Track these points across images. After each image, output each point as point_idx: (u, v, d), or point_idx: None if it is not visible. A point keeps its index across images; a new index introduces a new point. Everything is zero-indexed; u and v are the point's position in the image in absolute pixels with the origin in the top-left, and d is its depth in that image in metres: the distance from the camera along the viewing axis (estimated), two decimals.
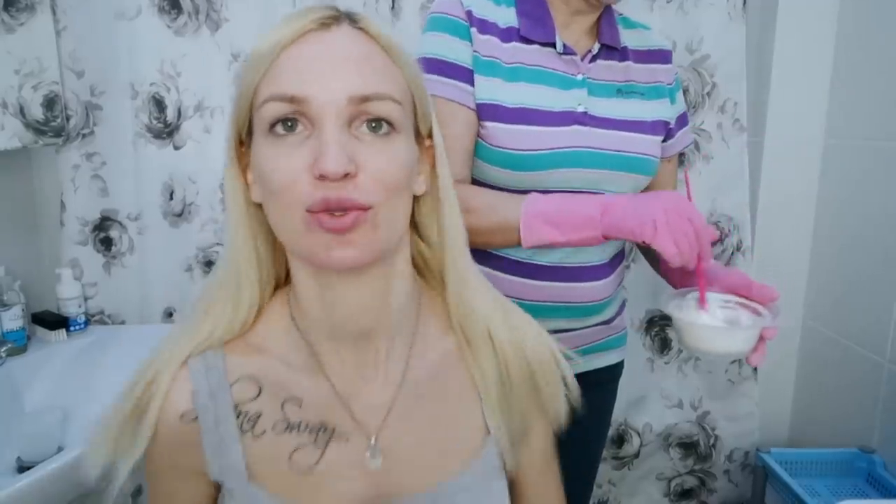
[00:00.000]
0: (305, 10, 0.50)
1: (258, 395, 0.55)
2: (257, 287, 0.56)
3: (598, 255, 0.95)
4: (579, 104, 0.90)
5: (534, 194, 0.83)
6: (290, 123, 0.48)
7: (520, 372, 0.58)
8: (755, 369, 1.48)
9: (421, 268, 0.62)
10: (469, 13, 0.89)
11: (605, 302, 0.98)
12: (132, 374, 0.55)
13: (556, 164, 0.89)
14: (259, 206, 0.53)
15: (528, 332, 0.60)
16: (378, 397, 0.56)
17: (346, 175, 0.46)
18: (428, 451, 0.57)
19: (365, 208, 0.48)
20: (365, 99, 0.48)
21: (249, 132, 0.52)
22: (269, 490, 0.53)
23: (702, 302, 0.74)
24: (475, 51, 0.88)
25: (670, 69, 0.99)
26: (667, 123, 0.97)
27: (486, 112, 0.88)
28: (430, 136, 0.57)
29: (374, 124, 0.49)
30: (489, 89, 0.88)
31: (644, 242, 0.75)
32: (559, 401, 0.61)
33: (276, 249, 0.57)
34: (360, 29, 0.51)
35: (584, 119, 0.90)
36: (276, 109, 0.48)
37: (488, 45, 0.89)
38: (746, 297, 0.76)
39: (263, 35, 0.50)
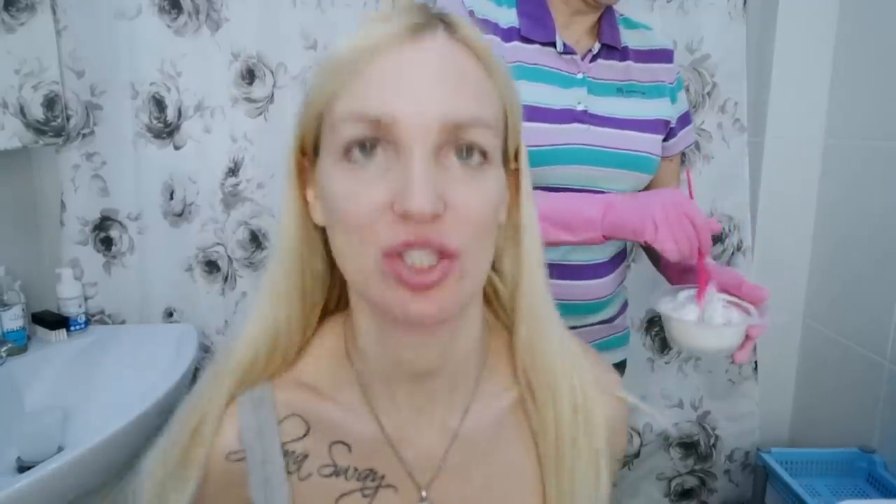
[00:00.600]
0: (395, 10, 0.44)
1: (305, 434, 0.50)
2: (300, 316, 0.51)
3: (598, 253, 0.95)
4: (579, 102, 0.91)
5: (535, 193, 0.83)
6: (369, 147, 0.41)
7: (583, 435, 0.51)
8: (755, 369, 1.48)
9: (490, 298, 0.55)
10: (471, 13, 0.89)
11: (606, 300, 0.98)
12: (178, 414, 0.51)
13: (555, 160, 0.89)
14: (320, 227, 0.48)
15: (597, 387, 0.53)
16: (432, 446, 0.51)
17: (434, 215, 0.39)
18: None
19: (454, 256, 0.41)
20: (459, 125, 0.41)
21: (315, 145, 0.46)
22: None
23: (700, 297, 0.75)
24: None
25: (672, 69, 0.99)
26: (667, 122, 0.97)
27: None
28: (516, 156, 0.50)
29: (464, 153, 0.42)
30: None
31: (645, 242, 0.75)
32: (623, 450, 0.57)
33: (335, 274, 0.51)
34: (457, 40, 0.44)
35: (584, 117, 0.90)
36: (356, 131, 0.41)
37: (492, 44, 0.89)
38: (738, 296, 0.76)
39: (347, 36, 0.43)
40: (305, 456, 0.50)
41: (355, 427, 0.50)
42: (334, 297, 0.54)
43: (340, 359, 0.52)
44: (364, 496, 0.49)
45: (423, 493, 0.50)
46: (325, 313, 0.54)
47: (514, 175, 0.50)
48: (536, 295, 0.51)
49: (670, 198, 0.76)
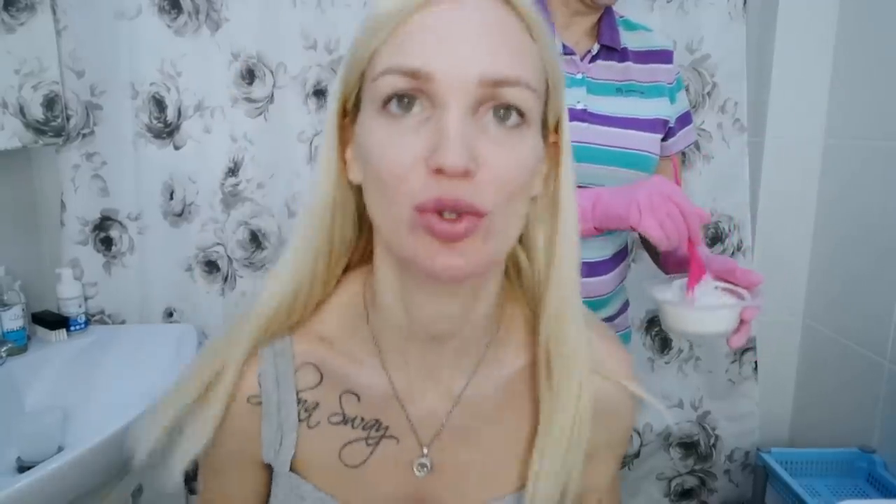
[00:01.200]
0: None
1: (319, 383, 0.53)
2: (324, 272, 0.52)
3: (599, 251, 0.95)
4: (578, 102, 0.91)
5: None
6: (407, 101, 0.41)
7: (592, 422, 0.52)
8: (755, 369, 1.48)
9: (510, 271, 0.55)
10: None
11: (607, 298, 0.99)
12: (195, 360, 0.53)
13: None
14: (355, 186, 0.48)
15: (612, 375, 0.55)
16: (436, 406, 0.53)
17: (467, 172, 0.39)
18: (476, 471, 0.53)
19: (481, 214, 0.41)
20: (498, 83, 0.41)
21: (356, 104, 0.46)
22: (314, 481, 0.52)
23: (691, 284, 0.75)
24: None
25: (671, 69, 0.99)
26: (665, 122, 0.98)
27: None
28: (556, 129, 0.49)
29: (502, 112, 0.42)
30: None
31: (631, 227, 0.75)
32: (624, 436, 0.58)
33: (362, 234, 0.53)
34: None
35: (584, 116, 0.91)
36: (395, 84, 0.41)
37: None
38: (731, 283, 0.77)
39: None
40: (317, 404, 0.52)
41: (366, 380, 0.52)
42: (357, 253, 0.55)
43: (358, 314, 0.53)
44: (367, 445, 0.52)
45: (425, 451, 0.52)
46: (347, 268, 0.55)
47: (553, 147, 0.49)
48: (571, 268, 0.50)
49: (657, 185, 0.77)
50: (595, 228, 0.80)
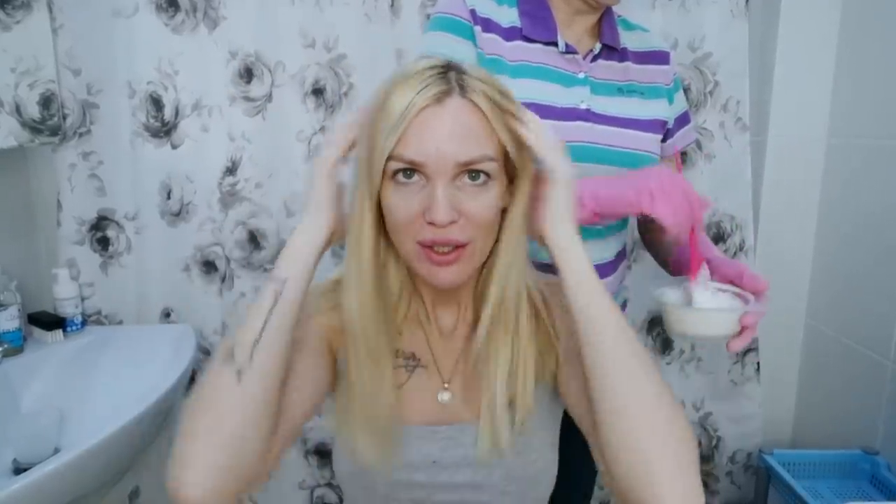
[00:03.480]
0: (424, 77, 0.61)
1: None
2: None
3: (599, 254, 0.95)
4: (582, 101, 0.91)
5: None
6: (409, 174, 0.62)
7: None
8: (758, 370, 1.47)
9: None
10: (472, 12, 0.91)
11: None
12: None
13: None
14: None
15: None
16: (453, 351, 0.75)
17: (452, 222, 0.61)
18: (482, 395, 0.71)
19: (464, 245, 0.63)
20: (469, 163, 0.61)
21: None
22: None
23: (693, 272, 0.76)
24: (479, 48, 0.90)
25: (668, 70, 1.00)
26: (664, 123, 0.98)
27: None
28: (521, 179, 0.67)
29: (473, 175, 0.62)
30: None
31: (643, 212, 0.76)
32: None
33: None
34: (468, 99, 0.62)
35: (588, 115, 0.92)
36: (400, 166, 0.62)
37: (492, 43, 0.90)
38: (739, 286, 0.77)
39: (390, 96, 0.61)
40: None
41: (410, 330, 0.75)
42: None
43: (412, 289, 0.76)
44: (406, 371, 0.74)
45: (446, 385, 0.74)
46: None
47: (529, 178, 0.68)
48: (509, 246, 0.69)
49: (664, 173, 0.78)
50: (596, 215, 0.80)
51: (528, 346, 0.70)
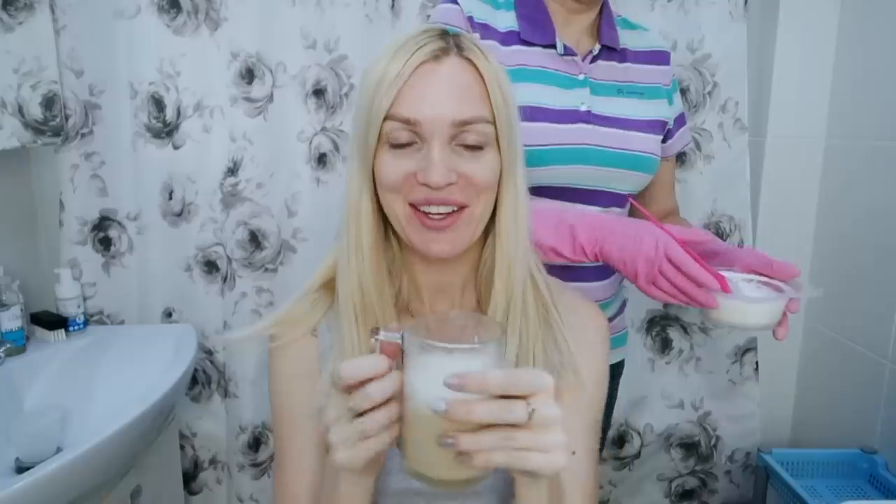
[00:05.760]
0: (420, 38, 0.60)
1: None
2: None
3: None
4: (582, 103, 0.91)
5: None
6: (404, 146, 0.60)
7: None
8: (756, 369, 1.48)
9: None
10: (470, 19, 0.90)
11: (607, 302, 0.99)
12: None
13: (562, 160, 0.89)
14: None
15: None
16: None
17: (448, 184, 0.59)
18: None
19: (460, 209, 0.61)
20: (465, 122, 0.59)
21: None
22: None
23: (722, 283, 0.74)
24: None
25: (667, 71, 0.99)
26: (665, 123, 0.98)
27: None
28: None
29: (469, 146, 0.60)
30: None
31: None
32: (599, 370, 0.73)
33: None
34: (466, 58, 0.61)
35: (588, 117, 0.91)
36: (394, 126, 0.60)
37: (490, 49, 0.89)
38: (768, 276, 0.77)
39: (384, 59, 0.60)
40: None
41: (405, 322, 0.69)
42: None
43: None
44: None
45: None
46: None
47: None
48: (510, 221, 0.66)
49: (650, 250, 0.75)
50: (596, 257, 0.81)
51: (538, 331, 0.66)
